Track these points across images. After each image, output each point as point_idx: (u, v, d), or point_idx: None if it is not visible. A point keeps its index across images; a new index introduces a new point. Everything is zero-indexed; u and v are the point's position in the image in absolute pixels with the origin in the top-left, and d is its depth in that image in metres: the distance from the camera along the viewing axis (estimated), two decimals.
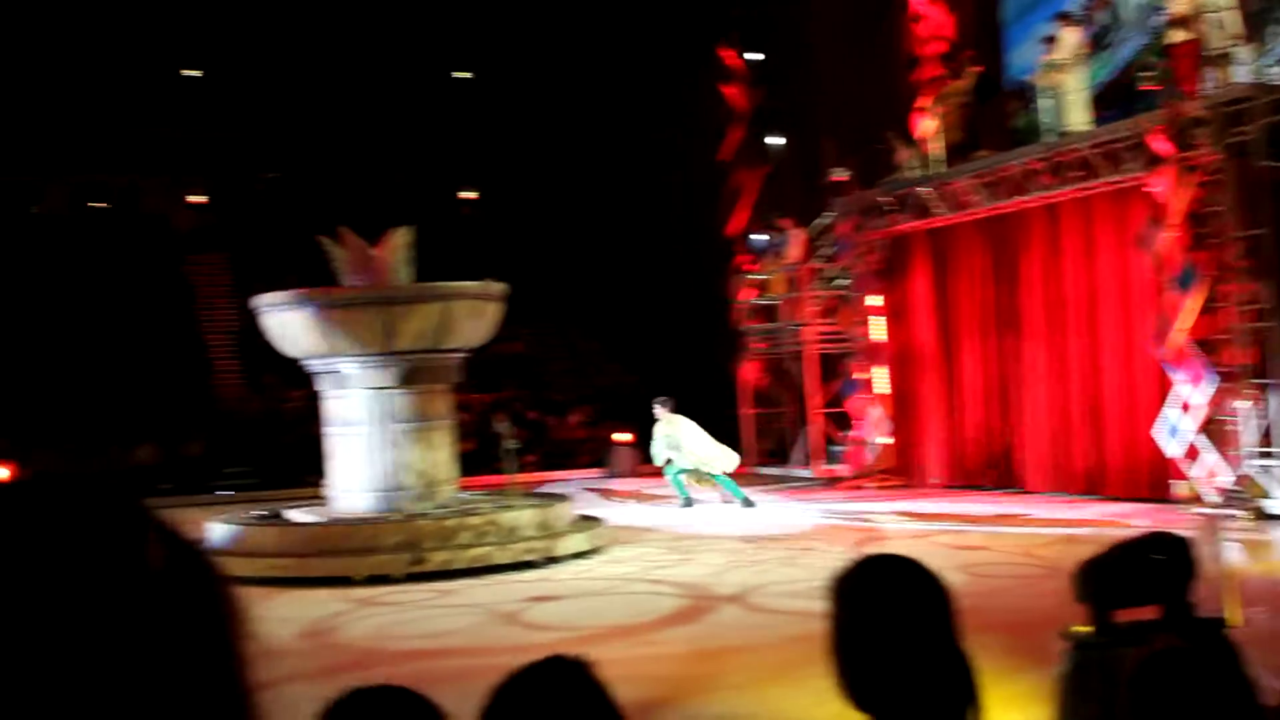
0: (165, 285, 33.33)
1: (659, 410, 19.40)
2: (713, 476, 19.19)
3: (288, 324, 14.82)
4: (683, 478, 19.26)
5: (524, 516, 14.66)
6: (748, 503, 18.71)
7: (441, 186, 36.56)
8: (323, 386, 15.48)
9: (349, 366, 14.82)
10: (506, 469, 16.41)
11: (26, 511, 0.83)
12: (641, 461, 25.20)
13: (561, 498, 16.45)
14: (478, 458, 23.53)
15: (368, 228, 15.79)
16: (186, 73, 35.43)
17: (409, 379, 14.88)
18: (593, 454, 26.49)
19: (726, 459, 19.14)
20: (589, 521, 15.74)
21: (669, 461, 19.38)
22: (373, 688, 2.33)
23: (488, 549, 13.95)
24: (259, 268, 33.16)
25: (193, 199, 36.93)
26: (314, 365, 15.35)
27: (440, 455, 15.30)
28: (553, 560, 14.20)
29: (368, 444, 14.89)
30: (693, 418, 19.32)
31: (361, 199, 32.99)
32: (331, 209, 31.10)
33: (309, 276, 17.79)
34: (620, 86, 32.85)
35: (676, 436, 19.10)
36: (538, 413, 27.44)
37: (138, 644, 0.79)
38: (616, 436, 25.59)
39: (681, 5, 29.51)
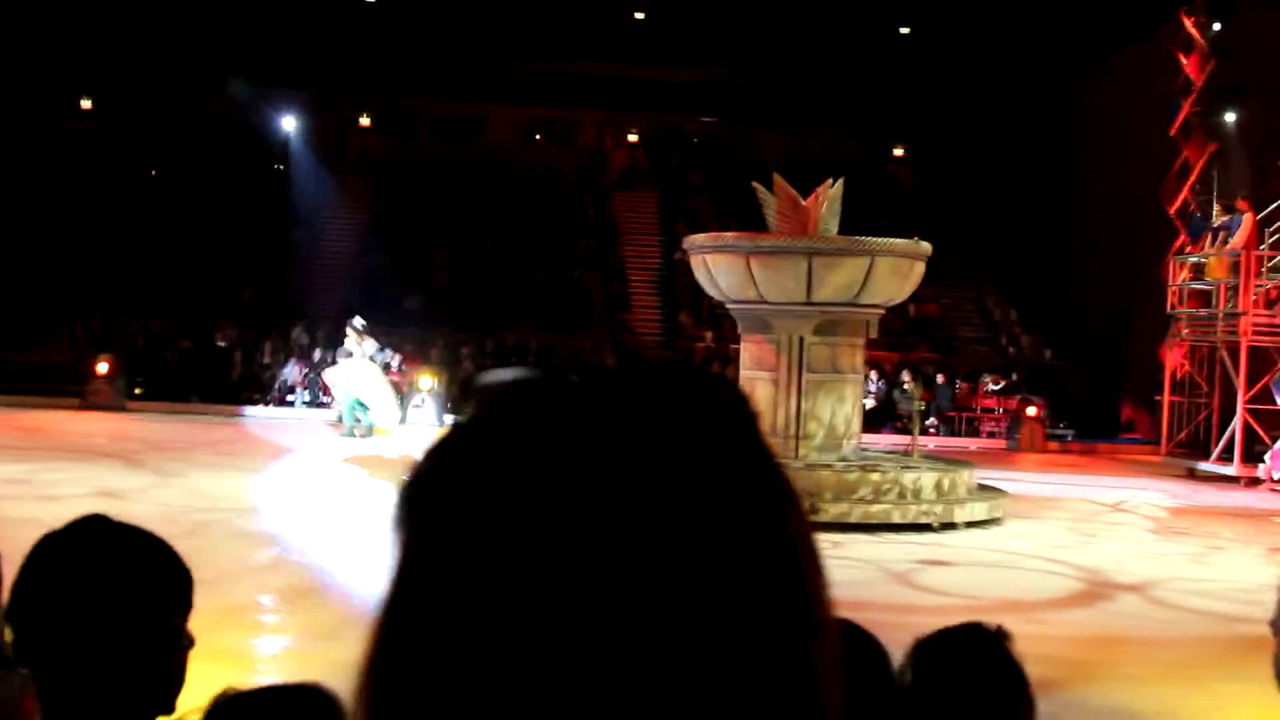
0: (593, 216, 34.75)
1: None
2: None
3: (715, 266, 15.19)
4: None
5: (926, 479, 14.59)
6: None
7: (873, 141, 36.43)
8: (741, 329, 15.85)
9: (769, 312, 15.08)
10: (910, 429, 16.38)
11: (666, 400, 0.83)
12: (1046, 438, 24.67)
13: (965, 464, 16.27)
14: (881, 415, 23.55)
15: (797, 179, 15.97)
16: (636, 16, 36.45)
17: (825, 330, 15.01)
18: (999, 423, 26.06)
19: None
20: (990, 491, 15.52)
21: None
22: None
23: (885, 507, 14.00)
24: (685, 209, 34.22)
25: (628, 138, 38.14)
26: (735, 309, 15.73)
27: (847, 408, 15.39)
28: (949, 526, 14.10)
29: (778, 390, 15.14)
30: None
31: (793, 150, 33.36)
32: (759, 158, 31.83)
33: (731, 222, 18.15)
34: (1058, 46, 31.77)
35: None
36: (945, 376, 27.13)
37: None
38: (1027, 409, 25.04)
39: None
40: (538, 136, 38.70)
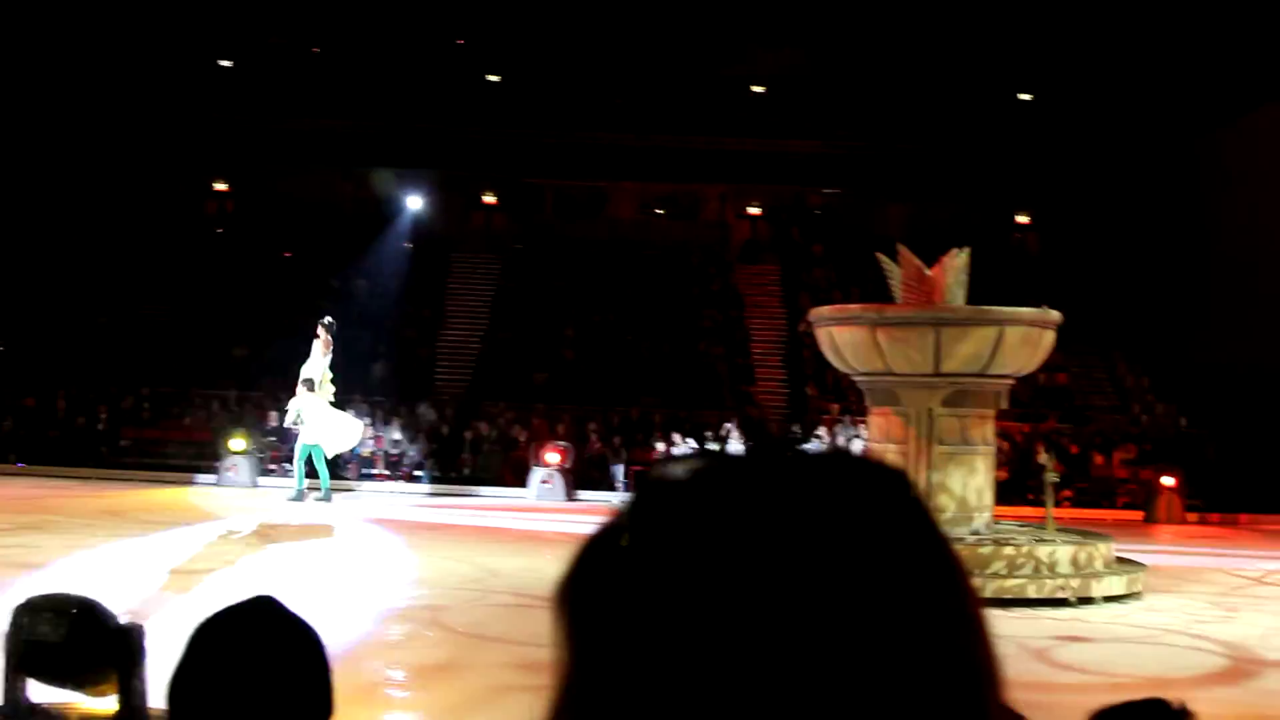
0: (717, 290, 34.90)
1: None
2: None
3: (841, 338, 15.14)
4: None
5: (1061, 552, 14.31)
6: None
7: (996, 209, 36.16)
8: (868, 401, 15.75)
9: (897, 384, 14.98)
10: (1043, 501, 16.09)
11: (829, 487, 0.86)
12: (1184, 509, 24.09)
13: (1101, 536, 15.93)
14: (1012, 487, 23.17)
15: (921, 249, 15.89)
16: (755, 89, 36.69)
17: (954, 401, 14.85)
18: (1133, 495, 25.51)
19: None
20: (1128, 564, 15.18)
21: None
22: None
23: (1020, 581, 13.74)
24: (808, 281, 34.23)
25: (750, 210, 38.27)
26: (862, 381, 15.64)
27: (978, 481, 15.17)
28: (1086, 601, 13.79)
29: (907, 462, 14.97)
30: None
31: (915, 220, 33.24)
32: (881, 228, 31.77)
33: (856, 293, 18.07)
34: (1179, 106, 31.36)
35: None
36: (1078, 447, 26.68)
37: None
38: (1162, 479, 24.50)
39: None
40: (659, 211, 38.98)
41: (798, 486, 0.86)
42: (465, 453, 27.44)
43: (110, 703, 3.14)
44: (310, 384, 21.70)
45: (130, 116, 35.19)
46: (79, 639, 3.28)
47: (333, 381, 22.31)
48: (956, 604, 0.88)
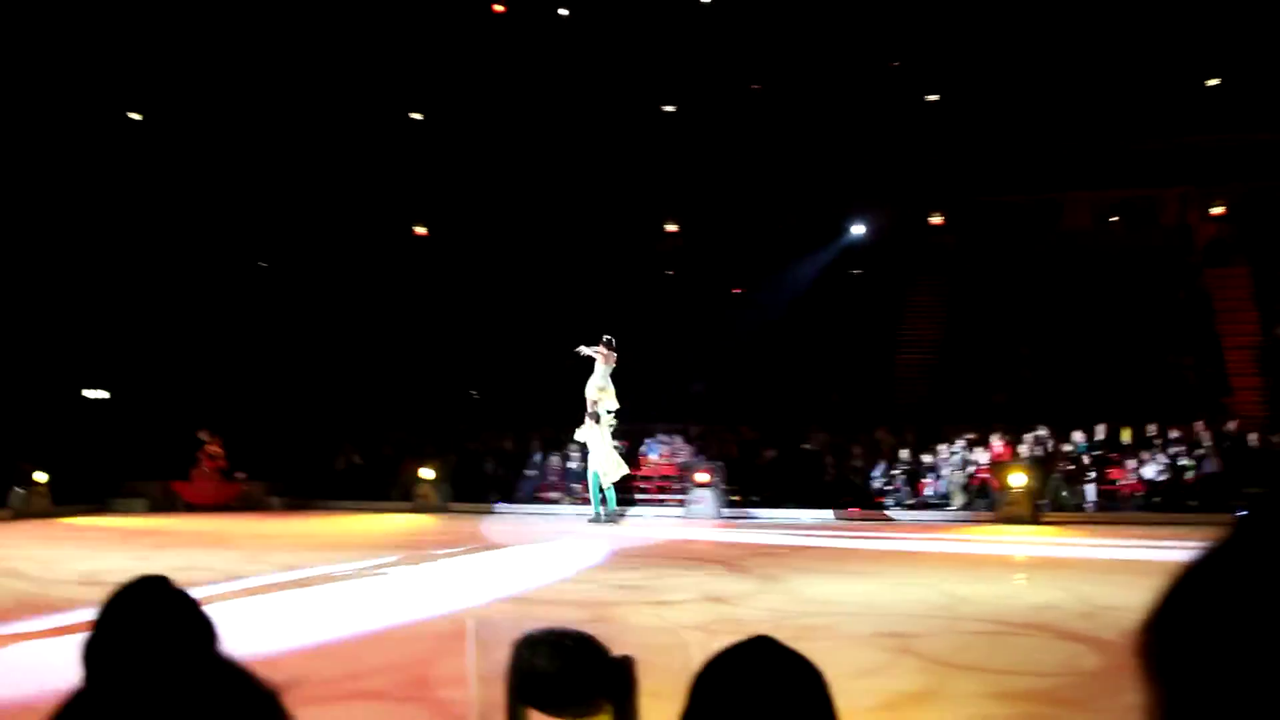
0: (1183, 298, 33.18)
1: None
2: None
3: None
4: None
5: None
6: None
7: None
8: None
9: None
10: None
11: None
12: None
13: None
14: None
15: None
16: (1210, 82, 34.78)
17: None
18: None
19: None
20: None
21: None
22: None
23: None
24: None
25: (1214, 211, 36.21)
26: None
27: None
28: None
29: None
30: None
31: None
32: None
33: None
34: None
35: None
36: None
37: None
38: None
39: None
40: (1113, 219, 37.46)
41: None
42: (924, 477, 27.17)
43: None
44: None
45: (585, 162, 37.02)
46: (574, 671, 3.45)
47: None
48: None
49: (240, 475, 29.06)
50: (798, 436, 28.70)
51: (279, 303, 34.91)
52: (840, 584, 15.23)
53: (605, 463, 24.05)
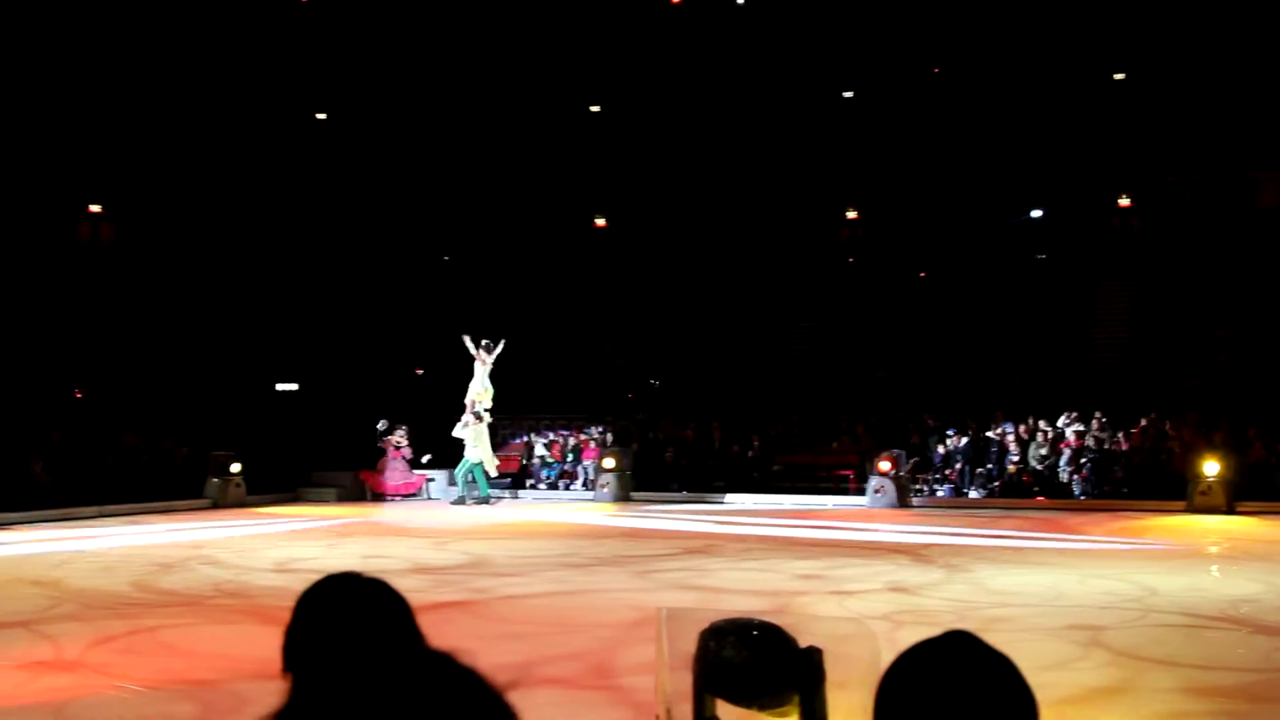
0: None
1: None
2: None
3: None
4: None
5: None
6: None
7: None
8: None
9: None
10: None
11: None
12: None
13: None
14: None
15: None
16: None
17: None
18: None
19: None
20: None
21: None
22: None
23: None
24: None
25: None
26: None
27: None
28: None
29: None
30: None
31: None
32: None
33: None
34: None
35: None
36: None
37: None
38: None
39: None
40: None
41: None
42: (1112, 466, 26.52)
43: None
44: None
45: (765, 151, 36.93)
46: (762, 661, 3.47)
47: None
48: None
49: (426, 462, 29.71)
50: (981, 424, 28.23)
51: (464, 296, 35.53)
52: (1026, 574, 14.98)
53: (484, 456, 27.38)
